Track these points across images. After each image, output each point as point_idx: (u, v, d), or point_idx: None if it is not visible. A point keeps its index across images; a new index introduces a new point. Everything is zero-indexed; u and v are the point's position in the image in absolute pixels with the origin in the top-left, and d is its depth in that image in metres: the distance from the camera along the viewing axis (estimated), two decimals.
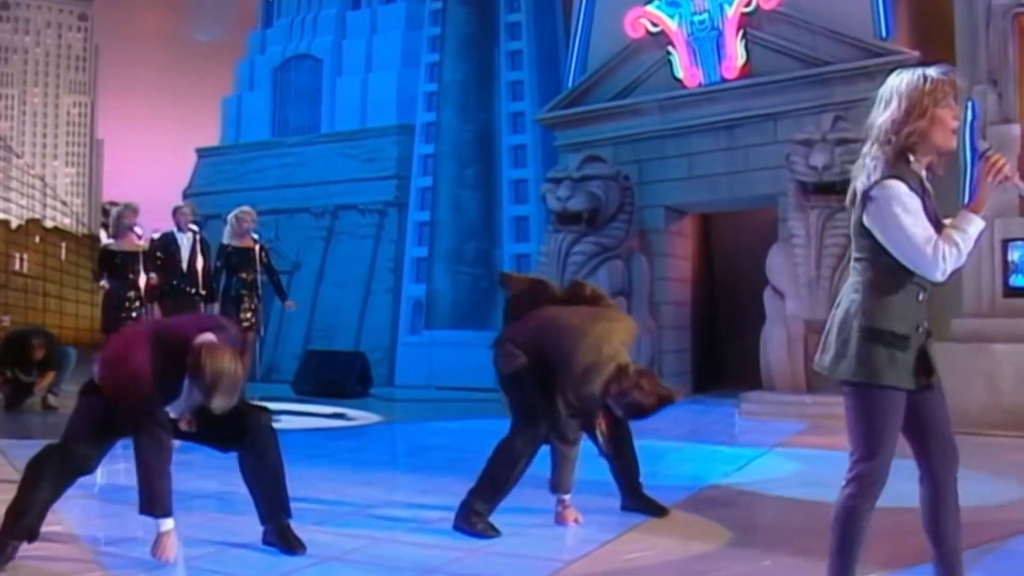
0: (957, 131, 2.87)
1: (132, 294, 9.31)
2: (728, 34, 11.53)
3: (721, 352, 13.73)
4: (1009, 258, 8.95)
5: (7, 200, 19.31)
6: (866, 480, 2.91)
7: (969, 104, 9.93)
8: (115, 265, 9.27)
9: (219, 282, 10.00)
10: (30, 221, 20.52)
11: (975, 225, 2.80)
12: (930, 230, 2.79)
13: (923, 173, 2.89)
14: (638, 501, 4.99)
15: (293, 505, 4.40)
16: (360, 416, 9.85)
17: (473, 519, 4.37)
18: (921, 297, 2.90)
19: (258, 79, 17.11)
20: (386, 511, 4.96)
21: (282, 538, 4.05)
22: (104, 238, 16.62)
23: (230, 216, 10.35)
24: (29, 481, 3.86)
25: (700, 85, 11.83)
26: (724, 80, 11.65)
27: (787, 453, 7.61)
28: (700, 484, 6.05)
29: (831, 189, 9.78)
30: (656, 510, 4.93)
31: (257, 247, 10.12)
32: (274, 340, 14.65)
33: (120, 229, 9.58)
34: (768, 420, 9.46)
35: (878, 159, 2.85)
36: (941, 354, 8.97)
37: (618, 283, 11.32)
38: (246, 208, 10.51)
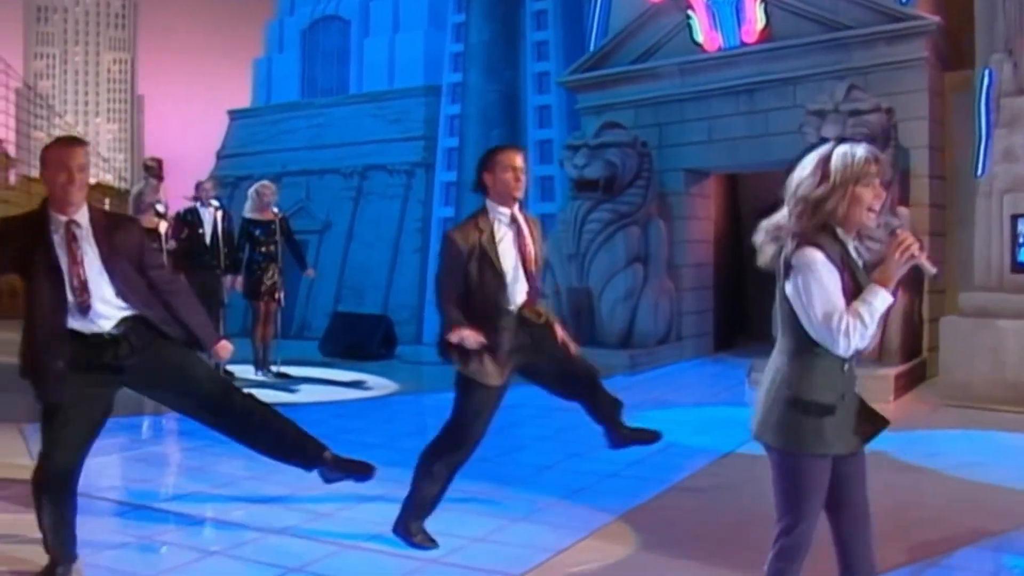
0: (877, 209, 2.89)
1: None
2: None
3: (748, 309, 13.79)
4: (1018, 232, 8.92)
5: None
6: (792, 551, 2.97)
7: (985, 72, 9.81)
8: None
9: (242, 255, 10.31)
10: None
11: (881, 298, 2.81)
12: (838, 304, 2.81)
13: (850, 244, 2.94)
14: (625, 435, 4.94)
15: (274, 504, 4.66)
16: (378, 385, 10.07)
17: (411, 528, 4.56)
18: (847, 368, 2.93)
19: (287, 41, 17.21)
20: (361, 512, 5.16)
21: (344, 468, 4.26)
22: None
23: (251, 190, 10.62)
24: (36, 507, 3.91)
25: (720, 49, 11.75)
26: (743, 44, 11.57)
27: None
28: (685, 472, 6.23)
29: None
30: (649, 437, 4.96)
31: (277, 219, 10.39)
32: (305, 299, 14.97)
33: (140, 207, 9.89)
34: None
35: (799, 228, 2.92)
36: (948, 328, 8.95)
37: (634, 249, 11.39)
38: (266, 182, 10.79)
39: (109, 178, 21.19)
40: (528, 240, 4.65)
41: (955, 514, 5.25)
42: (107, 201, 19.56)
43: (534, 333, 4.64)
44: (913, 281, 10.28)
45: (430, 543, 4.49)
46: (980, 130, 9.85)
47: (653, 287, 11.60)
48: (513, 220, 4.61)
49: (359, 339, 12.25)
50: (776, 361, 3.02)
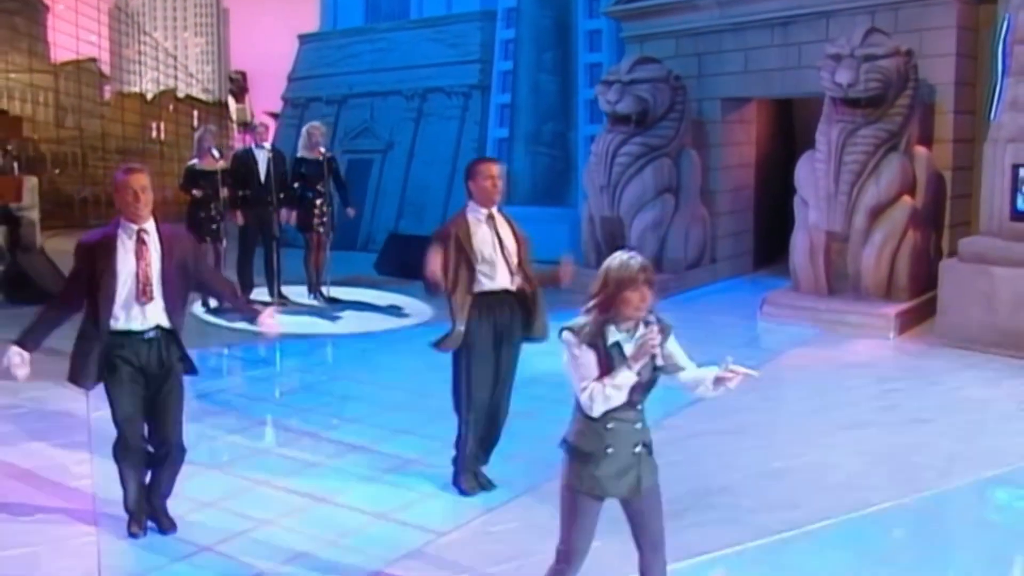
0: (642, 307, 3.38)
1: (213, 204, 10.58)
2: None
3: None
4: (1019, 180, 9.07)
5: (137, 75, 20.87)
6: (564, 570, 3.58)
7: (1005, 19, 9.82)
8: (198, 182, 10.49)
9: (295, 191, 11.09)
10: (163, 92, 22.01)
11: (624, 376, 3.33)
12: (588, 376, 3.36)
13: (620, 333, 3.41)
14: None
15: (275, 449, 5.79)
16: (415, 311, 10.71)
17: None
18: (611, 426, 3.41)
19: None
20: (338, 461, 5.94)
21: (158, 518, 4.94)
22: (233, 105, 17.99)
23: (303, 130, 11.34)
24: (119, 472, 4.81)
25: None
26: None
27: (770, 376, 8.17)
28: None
29: (856, 104, 9.97)
30: None
31: (325, 158, 11.11)
32: (370, 214, 15.78)
33: (201, 150, 10.68)
34: (785, 323, 9.94)
35: (581, 319, 3.46)
36: (947, 271, 9.19)
37: (664, 180, 11.77)
38: (316, 123, 11.52)
39: (196, 91, 22.26)
40: (504, 233, 5.42)
41: (860, 480, 5.77)
42: (195, 113, 20.63)
43: (515, 308, 5.43)
44: (930, 217, 10.53)
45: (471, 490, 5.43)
46: (996, 74, 9.91)
47: (684, 215, 12.01)
48: (490, 217, 5.38)
49: (410, 260, 12.88)
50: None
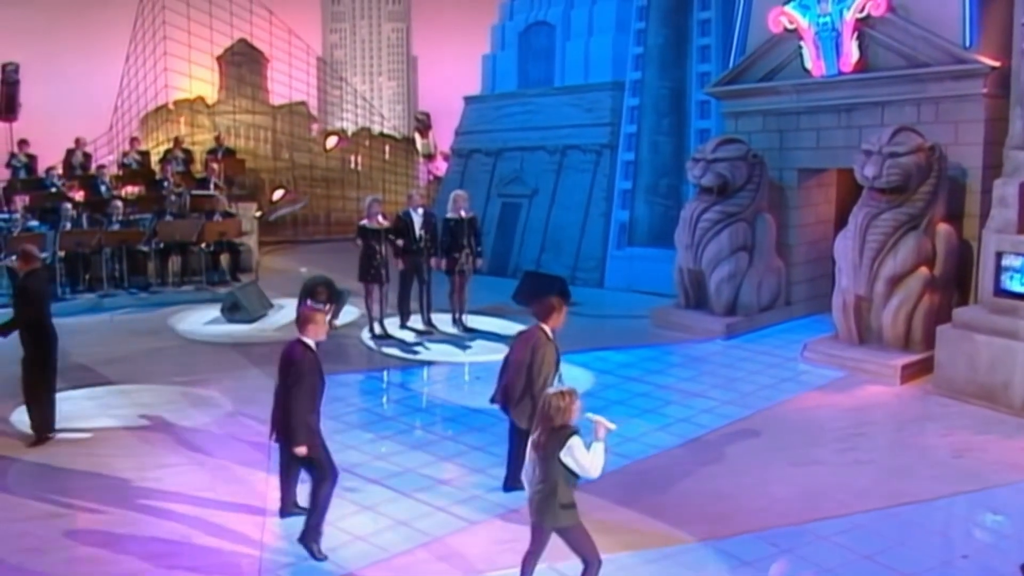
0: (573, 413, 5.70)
1: (378, 255, 13.43)
2: (845, 35, 13.13)
3: None
4: (1001, 265, 10.70)
5: (339, 115, 24.51)
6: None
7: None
8: (367, 237, 13.37)
9: (444, 244, 13.84)
10: (361, 129, 25.46)
11: (601, 447, 5.63)
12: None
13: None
14: None
15: (388, 456, 8.34)
16: None
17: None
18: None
19: (507, 41, 20.08)
20: (427, 469, 8.38)
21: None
22: (419, 140, 21.21)
23: (450, 196, 14.08)
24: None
25: (823, 75, 13.66)
26: (841, 73, 13.44)
27: (774, 416, 10.21)
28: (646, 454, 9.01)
29: (882, 191, 11.81)
30: None
31: (466, 218, 13.81)
32: (518, 247, 18.45)
33: (370, 214, 13.54)
34: (819, 366, 11.85)
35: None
36: (942, 335, 11.13)
37: (739, 241, 13.77)
38: (460, 192, 14.18)
39: (387, 129, 25.69)
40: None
41: (771, 507, 7.72)
42: (387, 147, 24.02)
43: None
44: (950, 282, 12.13)
45: None
46: None
47: (758, 268, 14.00)
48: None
49: (539, 293, 15.49)
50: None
